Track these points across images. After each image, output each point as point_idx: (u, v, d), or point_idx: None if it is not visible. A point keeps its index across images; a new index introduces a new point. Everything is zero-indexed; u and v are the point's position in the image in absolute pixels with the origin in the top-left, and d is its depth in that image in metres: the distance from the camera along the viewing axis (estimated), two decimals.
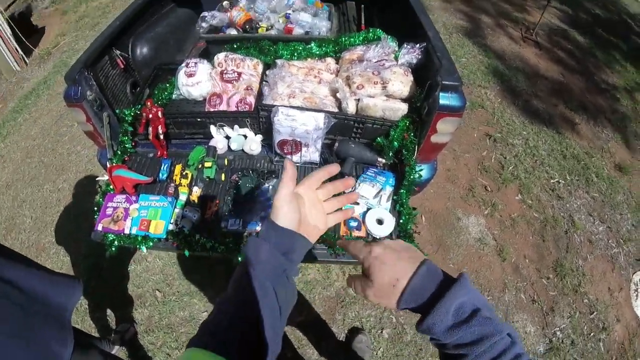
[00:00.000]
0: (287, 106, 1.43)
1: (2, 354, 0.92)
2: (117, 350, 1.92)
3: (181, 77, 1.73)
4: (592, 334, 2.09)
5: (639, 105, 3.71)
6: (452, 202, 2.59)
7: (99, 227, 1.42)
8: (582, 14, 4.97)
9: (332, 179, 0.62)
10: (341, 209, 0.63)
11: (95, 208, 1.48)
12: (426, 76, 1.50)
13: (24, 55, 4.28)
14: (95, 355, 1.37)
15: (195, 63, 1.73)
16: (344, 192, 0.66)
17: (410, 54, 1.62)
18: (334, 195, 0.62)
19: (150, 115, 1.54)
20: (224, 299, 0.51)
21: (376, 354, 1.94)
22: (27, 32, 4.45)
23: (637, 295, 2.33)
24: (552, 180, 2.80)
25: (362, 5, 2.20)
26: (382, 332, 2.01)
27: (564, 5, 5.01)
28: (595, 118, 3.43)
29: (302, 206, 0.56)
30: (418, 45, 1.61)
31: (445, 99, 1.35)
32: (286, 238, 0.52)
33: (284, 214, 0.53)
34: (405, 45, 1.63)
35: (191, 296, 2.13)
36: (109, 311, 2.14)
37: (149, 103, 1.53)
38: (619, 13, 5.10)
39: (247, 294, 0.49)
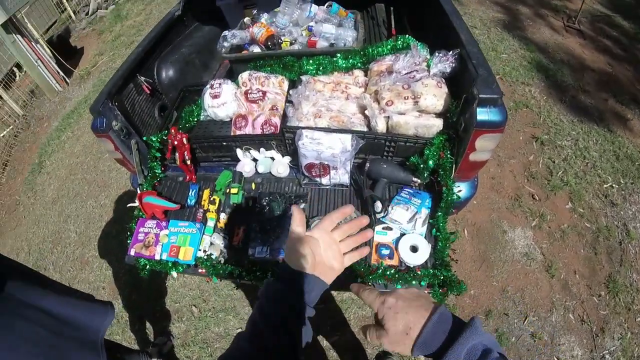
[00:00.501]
0: (312, 128, 1.36)
1: None
2: None
3: (207, 98, 1.73)
4: None
5: None
6: (497, 214, 2.42)
7: (132, 252, 1.47)
8: None
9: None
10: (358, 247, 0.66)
11: (128, 233, 1.53)
12: (462, 86, 1.37)
13: (64, 76, 4.54)
14: None
15: (220, 84, 1.71)
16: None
17: (443, 62, 1.48)
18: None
19: (176, 142, 1.54)
20: (241, 334, 0.55)
21: None
22: (66, 53, 4.73)
23: None
24: (605, 185, 2.54)
25: (392, 8, 2.08)
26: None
27: None
28: None
29: (316, 248, 0.59)
30: (451, 52, 1.48)
31: (484, 114, 1.22)
32: (300, 280, 0.55)
33: (296, 257, 0.56)
34: (437, 53, 1.50)
35: (226, 313, 2.16)
36: (148, 324, 2.23)
37: (173, 130, 1.53)
38: None
39: (260, 333, 0.53)
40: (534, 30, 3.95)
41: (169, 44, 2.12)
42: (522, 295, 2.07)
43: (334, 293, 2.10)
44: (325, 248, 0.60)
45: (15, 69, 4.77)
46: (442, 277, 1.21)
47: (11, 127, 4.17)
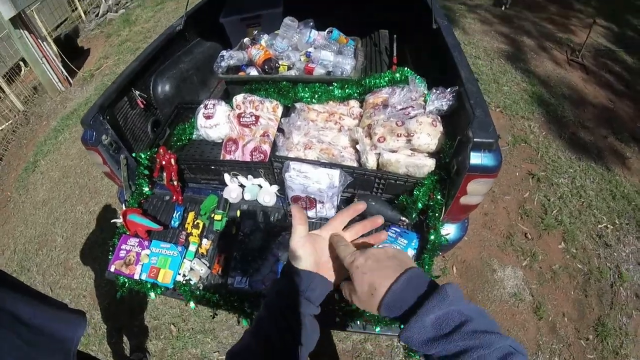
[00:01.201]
0: (300, 160, 1.34)
1: None
2: None
3: (200, 118, 1.71)
4: None
5: None
6: (487, 251, 2.38)
7: (112, 268, 1.46)
8: (630, 31, 4.55)
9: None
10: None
11: (111, 248, 1.52)
12: (458, 126, 1.35)
13: (68, 76, 4.54)
14: None
15: (214, 104, 1.70)
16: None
17: (440, 99, 1.46)
18: (363, 235, 0.60)
19: (164, 162, 1.51)
20: (249, 331, 0.56)
21: None
22: (72, 53, 4.75)
23: None
24: (599, 226, 2.51)
25: (395, 35, 2.07)
26: None
27: (609, 23, 4.62)
28: None
29: (324, 248, 0.57)
30: (449, 89, 1.46)
31: (477, 158, 1.19)
32: (303, 278, 0.54)
33: (298, 256, 0.55)
34: (435, 90, 1.48)
35: (205, 335, 2.11)
36: (125, 338, 2.18)
37: (162, 150, 1.51)
38: None
39: (265, 330, 0.53)
40: (537, 63, 3.97)
41: (168, 59, 2.10)
42: None
43: (318, 311, 2.06)
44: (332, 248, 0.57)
45: (21, 62, 4.78)
46: None
47: (10, 121, 4.16)
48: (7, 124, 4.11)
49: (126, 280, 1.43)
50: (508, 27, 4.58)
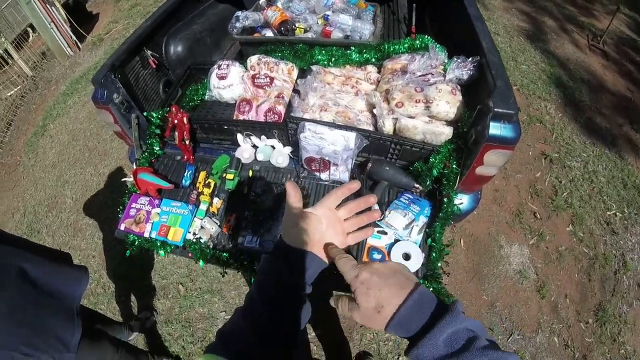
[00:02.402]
0: (315, 121, 1.32)
1: (10, 340, 1.02)
2: (135, 336, 2.00)
3: (213, 79, 1.68)
4: None
5: None
6: (495, 227, 2.38)
7: (122, 227, 1.46)
8: None
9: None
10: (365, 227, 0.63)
11: (121, 207, 1.52)
12: (478, 96, 1.32)
13: (77, 41, 4.49)
14: (105, 344, 1.45)
15: (228, 65, 1.66)
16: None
17: (461, 68, 1.42)
18: (357, 214, 0.61)
19: (176, 121, 1.50)
20: (239, 311, 0.55)
21: None
22: (81, 18, 4.67)
23: None
24: (608, 212, 2.49)
25: (414, 4, 2.01)
26: (399, 358, 1.90)
27: (634, 13, 4.45)
28: None
29: (317, 225, 0.56)
30: (470, 59, 1.42)
31: (497, 128, 1.18)
32: (295, 257, 0.54)
33: (293, 234, 0.55)
34: (455, 59, 1.44)
35: (212, 294, 2.16)
36: (133, 297, 2.24)
37: (174, 109, 1.49)
38: None
39: (256, 309, 0.53)
40: (557, 45, 3.86)
41: (181, 20, 2.06)
42: (509, 312, 2.05)
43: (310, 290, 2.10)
44: (327, 225, 0.57)
45: (29, 28, 4.72)
46: (431, 289, 1.18)
47: (19, 87, 4.14)
48: (15, 89, 4.10)
49: (136, 238, 1.43)
50: (530, 5, 4.44)
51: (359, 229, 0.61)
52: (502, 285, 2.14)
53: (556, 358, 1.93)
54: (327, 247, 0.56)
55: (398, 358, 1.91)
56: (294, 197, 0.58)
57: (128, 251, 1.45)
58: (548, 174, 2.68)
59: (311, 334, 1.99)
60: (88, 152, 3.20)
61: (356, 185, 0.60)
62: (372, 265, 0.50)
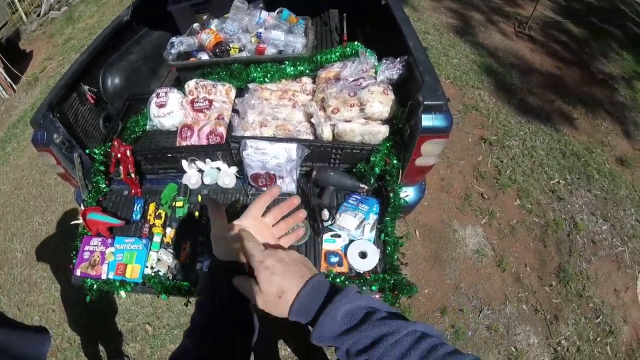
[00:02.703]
0: (256, 137, 1.34)
1: None
2: None
3: (152, 108, 1.67)
4: (598, 339, 2.00)
5: (638, 93, 3.58)
6: (447, 214, 2.49)
7: (78, 272, 1.41)
8: (576, 3, 4.81)
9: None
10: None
11: (74, 252, 1.46)
12: (409, 93, 1.40)
13: (11, 82, 4.26)
14: None
15: (166, 92, 1.66)
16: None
17: (390, 69, 1.50)
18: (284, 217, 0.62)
19: (119, 155, 1.47)
20: (186, 332, 0.55)
21: None
22: (15, 57, 4.44)
23: None
24: (552, 181, 2.69)
25: (345, 14, 2.10)
26: None
27: None
28: (593, 111, 3.31)
29: (248, 236, 0.55)
30: (399, 59, 1.50)
31: (429, 120, 1.25)
32: (230, 270, 0.54)
33: (221, 248, 0.55)
34: (384, 60, 1.52)
35: (181, 329, 2.10)
36: (101, 347, 2.12)
37: (116, 143, 1.46)
38: (612, 0, 4.95)
39: (198, 329, 0.53)
40: (485, 36, 4.12)
41: (116, 51, 2.03)
42: (475, 291, 2.14)
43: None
44: (257, 235, 0.57)
45: None
46: (392, 281, 1.22)
47: None
48: None
49: (94, 282, 1.38)
50: (457, 2, 4.71)
51: (289, 231, 0.63)
52: (463, 267, 2.24)
53: (529, 324, 2.04)
54: (240, 232, 0.55)
55: None
56: (215, 212, 0.58)
57: (88, 297, 1.39)
58: (489, 156, 2.84)
59: (288, 350, 1.98)
60: (33, 200, 3.03)
61: (277, 190, 0.62)
62: (277, 253, 0.52)
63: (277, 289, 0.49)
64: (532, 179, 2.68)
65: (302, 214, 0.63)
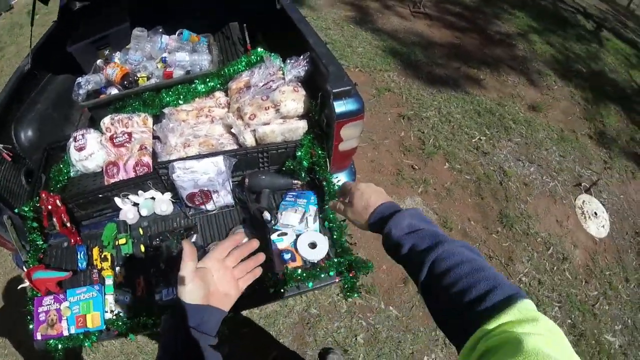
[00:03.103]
0: (182, 158, 1.38)
1: None
2: None
3: (72, 153, 1.63)
4: (555, 268, 2.20)
5: (535, 45, 3.98)
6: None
7: (38, 336, 1.34)
8: None
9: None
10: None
11: (29, 317, 1.38)
12: (318, 86, 1.49)
13: None
14: None
15: (83, 134, 1.63)
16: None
17: (296, 67, 1.60)
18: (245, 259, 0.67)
19: (50, 207, 1.43)
20: None
21: None
22: None
23: (584, 217, 2.52)
24: (473, 140, 2.94)
25: (244, 24, 2.17)
26: (356, 338, 2.01)
27: None
28: (498, 69, 3.64)
29: (209, 278, 0.60)
30: (302, 56, 1.60)
31: (341, 106, 1.35)
32: (194, 312, 0.56)
33: (188, 291, 0.57)
34: (289, 60, 1.62)
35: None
36: None
37: (44, 195, 1.42)
38: None
39: None
40: (384, 22, 4.35)
41: (23, 103, 1.93)
42: None
43: (256, 310, 2.11)
44: (218, 277, 0.61)
45: None
46: (346, 262, 1.30)
47: None
48: None
49: (57, 341, 1.33)
50: None
51: (250, 272, 0.67)
52: None
53: None
54: (330, 204, 0.83)
55: (355, 338, 2.01)
56: (188, 255, 0.59)
57: (55, 358, 1.33)
58: (411, 130, 3.03)
59: (270, 357, 2.00)
60: None
61: (240, 236, 0.68)
62: (364, 183, 0.76)
63: (365, 202, 0.71)
64: (455, 141, 2.92)
65: (261, 257, 0.69)
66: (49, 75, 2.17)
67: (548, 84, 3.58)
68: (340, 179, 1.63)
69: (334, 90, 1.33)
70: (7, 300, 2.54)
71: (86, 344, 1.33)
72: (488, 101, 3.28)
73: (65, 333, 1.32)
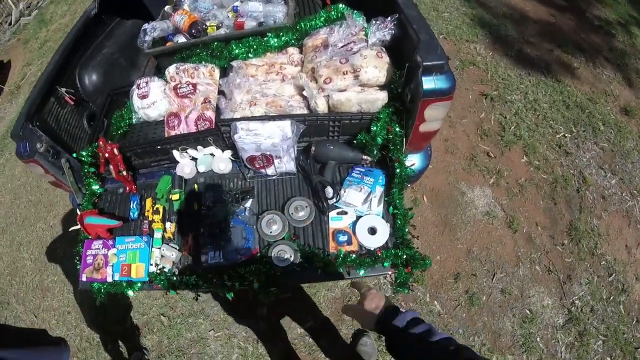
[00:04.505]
0: (246, 118, 1.26)
1: None
2: None
3: (135, 100, 1.59)
4: (611, 298, 1.98)
5: (637, 39, 3.42)
6: (454, 176, 2.42)
7: (83, 277, 1.39)
8: None
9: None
10: None
11: (77, 258, 1.43)
12: (405, 54, 1.29)
13: None
14: None
15: (147, 82, 1.58)
16: None
17: (382, 29, 1.39)
18: None
19: (107, 154, 1.41)
20: None
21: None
22: None
23: None
24: (557, 135, 2.60)
25: None
26: None
27: None
28: (593, 59, 3.16)
29: None
30: (389, 18, 1.38)
31: (430, 82, 1.15)
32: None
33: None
34: (374, 21, 1.40)
35: (196, 317, 2.11)
36: (120, 342, 2.16)
37: (101, 142, 1.40)
38: None
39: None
40: None
41: (89, 47, 1.92)
42: (487, 254, 2.11)
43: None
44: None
45: None
46: (404, 256, 1.17)
47: None
48: None
49: (100, 285, 1.36)
50: None
51: None
52: (473, 230, 2.20)
53: (542, 285, 2.01)
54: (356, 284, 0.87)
55: None
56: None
57: (97, 300, 1.38)
58: (492, 113, 2.73)
59: (303, 328, 1.99)
60: (34, 207, 2.99)
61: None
62: (375, 292, 0.81)
63: (376, 304, 0.76)
64: (537, 134, 2.59)
65: None
66: (117, 20, 2.14)
67: None
68: (414, 162, 1.45)
69: (424, 63, 1.13)
70: (63, 233, 2.72)
71: (128, 292, 1.35)
72: (580, 94, 2.86)
73: (109, 279, 1.35)
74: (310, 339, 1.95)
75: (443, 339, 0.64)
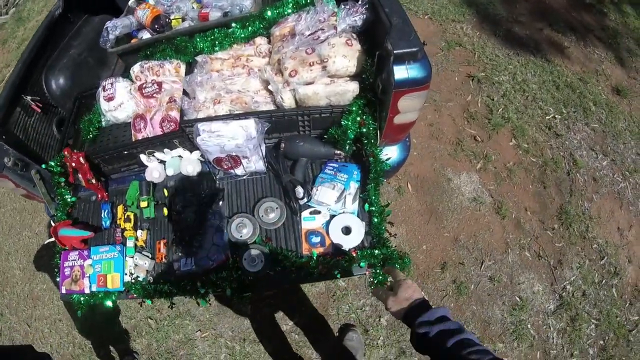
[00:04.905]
0: (207, 119, 1.20)
1: None
2: None
3: (102, 102, 1.53)
4: (603, 281, 1.97)
5: (628, 17, 3.32)
6: (439, 162, 2.36)
7: (63, 290, 1.39)
8: None
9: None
10: None
11: (56, 270, 1.42)
12: (377, 40, 1.20)
13: None
14: None
15: (112, 83, 1.50)
16: None
17: (352, 14, 1.29)
18: None
19: (74, 164, 1.35)
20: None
21: (377, 342, 1.88)
22: None
23: None
24: (547, 117, 2.53)
25: None
26: (379, 319, 1.93)
27: None
28: (584, 38, 3.07)
29: None
30: (360, 1, 1.29)
31: (402, 71, 1.06)
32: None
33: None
34: (344, 5, 1.31)
35: (182, 318, 2.11)
36: (111, 347, 2.15)
37: (66, 152, 1.35)
38: None
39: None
40: None
41: (55, 49, 1.83)
42: (475, 242, 2.07)
43: None
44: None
45: None
46: (381, 256, 1.12)
47: None
48: None
49: (80, 297, 1.35)
50: None
51: None
52: (460, 218, 2.16)
53: (532, 271, 1.99)
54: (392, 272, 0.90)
55: (379, 319, 1.93)
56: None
57: (79, 311, 1.37)
58: (479, 95, 2.65)
59: (289, 324, 1.98)
60: (18, 215, 2.95)
61: None
62: (410, 282, 0.81)
63: (409, 295, 0.77)
64: (526, 115, 2.52)
65: None
66: (84, 17, 2.04)
67: (637, 66, 2.98)
68: (390, 155, 1.38)
69: (395, 51, 1.03)
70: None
71: (106, 303, 1.34)
72: (570, 74, 2.78)
73: (87, 291, 1.34)
74: (297, 335, 1.94)
75: (477, 350, 0.62)
